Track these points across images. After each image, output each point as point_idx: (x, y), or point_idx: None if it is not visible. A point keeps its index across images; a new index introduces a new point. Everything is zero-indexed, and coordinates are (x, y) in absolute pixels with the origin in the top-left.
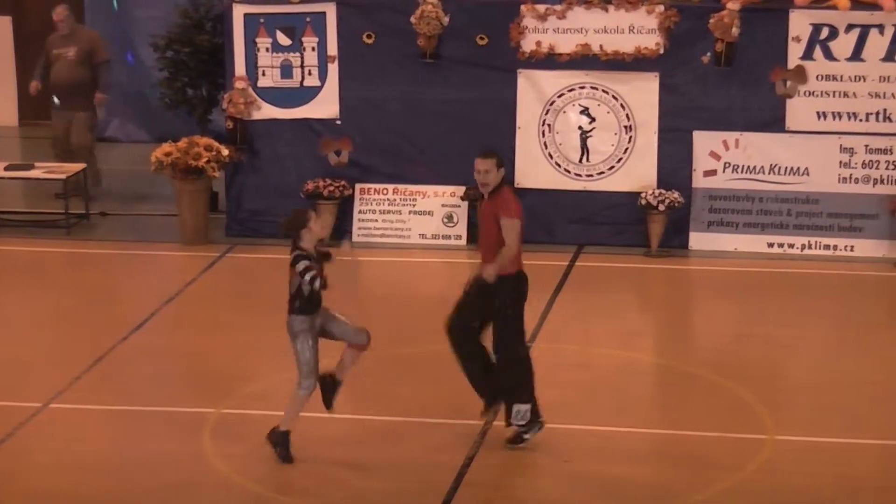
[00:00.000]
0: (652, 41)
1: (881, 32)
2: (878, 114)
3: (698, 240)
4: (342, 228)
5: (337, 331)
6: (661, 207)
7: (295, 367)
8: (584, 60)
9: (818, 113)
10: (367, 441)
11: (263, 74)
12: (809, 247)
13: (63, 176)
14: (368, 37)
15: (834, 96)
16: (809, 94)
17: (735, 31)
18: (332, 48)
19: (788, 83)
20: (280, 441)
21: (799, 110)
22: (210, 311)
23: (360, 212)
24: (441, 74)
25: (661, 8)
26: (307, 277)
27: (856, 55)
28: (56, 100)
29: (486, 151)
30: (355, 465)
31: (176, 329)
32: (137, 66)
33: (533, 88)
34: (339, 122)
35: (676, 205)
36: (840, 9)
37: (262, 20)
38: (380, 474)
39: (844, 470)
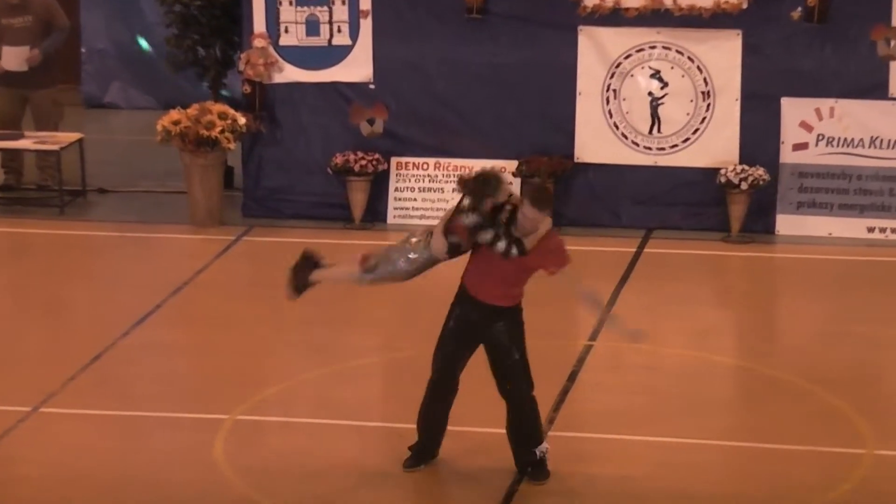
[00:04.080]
0: None
1: None
2: None
3: (786, 223)
4: (375, 208)
5: None
6: (744, 186)
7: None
8: (655, 16)
9: None
10: (404, 453)
11: (286, 31)
12: None
13: (56, 147)
14: None
15: None
16: None
17: None
18: (365, 2)
19: (892, 43)
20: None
21: None
22: (223, 303)
23: (396, 189)
24: (489, 33)
25: None
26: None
27: None
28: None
29: (542, 194)
30: (391, 482)
31: (184, 323)
32: (148, 38)
33: (596, 49)
34: (372, 87)
35: (761, 183)
36: None
37: None
38: (420, 492)
39: None
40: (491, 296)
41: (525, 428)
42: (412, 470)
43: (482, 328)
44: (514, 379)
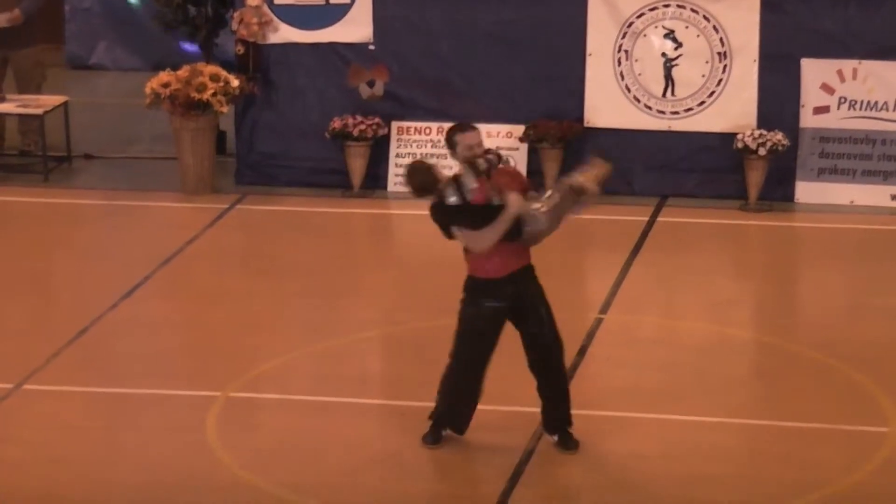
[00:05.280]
0: None
1: None
2: None
3: (806, 191)
4: (375, 174)
5: None
6: (762, 151)
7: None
8: None
9: None
10: (407, 432)
11: None
12: None
13: (40, 110)
14: None
15: None
16: None
17: None
18: None
19: None
20: None
21: None
22: (215, 275)
23: (397, 155)
24: None
25: None
26: None
27: None
28: None
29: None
30: (393, 462)
31: (174, 296)
32: None
33: (607, 7)
34: (372, 47)
35: (780, 148)
36: None
37: None
38: (424, 473)
39: None
40: (517, 258)
41: (563, 383)
42: (433, 446)
43: (516, 302)
44: (552, 336)
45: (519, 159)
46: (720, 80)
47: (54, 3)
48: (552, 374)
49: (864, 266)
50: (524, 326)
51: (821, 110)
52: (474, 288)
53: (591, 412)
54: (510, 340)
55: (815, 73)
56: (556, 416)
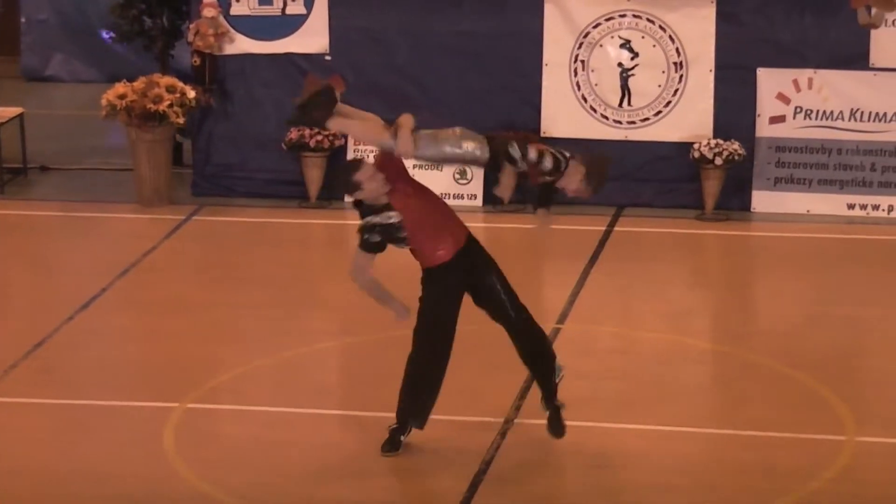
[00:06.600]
0: None
1: None
2: None
3: (763, 200)
4: (332, 185)
5: None
6: (718, 161)
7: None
8: None
9: None
10: (365, 443)
11: (237, 0)
12: None
13: None
14: None
15: None
16: None
17: None
18: None
19: (874, 11)
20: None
21: (886, 43)
22: (173, 286)
23: None
24: (452, 0)
25: None
26: None
27: None
28: None
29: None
30: (352, 472)
31: (131, 308)
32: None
33: (563, 17)
34: (328, 58)
35: (736, 158)
36: None
37: None
38: (382, 484)
39: None
40: (457, 235)
41: (547, 350)
42: (391, 454)
43: (468, 278)
44: (514, 302)
45: (476, 169)
46: (676, 90)
47: (10, 15)
48: (521, 342)
49: (821, 275)
50: (481, 299)
51: (777, 120)
52: (430, 276)
53: None
54: (470, 354)
55: (770, 82)
56: (540, 385)
